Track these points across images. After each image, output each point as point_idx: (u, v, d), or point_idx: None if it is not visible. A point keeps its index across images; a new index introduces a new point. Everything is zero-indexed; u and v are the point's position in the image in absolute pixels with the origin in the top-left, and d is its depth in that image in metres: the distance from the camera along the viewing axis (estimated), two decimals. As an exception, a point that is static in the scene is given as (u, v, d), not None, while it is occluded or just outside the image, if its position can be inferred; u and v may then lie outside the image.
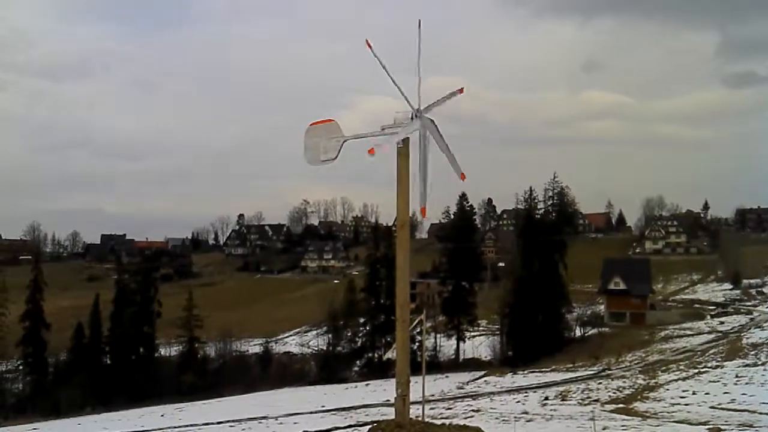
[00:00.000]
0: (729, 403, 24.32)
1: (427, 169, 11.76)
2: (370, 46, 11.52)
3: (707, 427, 19.96)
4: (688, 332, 67.67)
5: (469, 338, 79.96)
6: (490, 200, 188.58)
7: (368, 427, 14.08)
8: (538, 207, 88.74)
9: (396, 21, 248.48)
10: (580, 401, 31.50)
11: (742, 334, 57.75)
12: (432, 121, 11.95)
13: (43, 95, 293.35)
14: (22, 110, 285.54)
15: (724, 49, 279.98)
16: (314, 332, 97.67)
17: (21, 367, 74.87)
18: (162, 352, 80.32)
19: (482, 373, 60.98)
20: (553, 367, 57.26)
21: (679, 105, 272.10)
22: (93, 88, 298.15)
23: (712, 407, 23.87)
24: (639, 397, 30.45)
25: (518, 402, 33.80)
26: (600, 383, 39.94)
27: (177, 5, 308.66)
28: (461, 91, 11.98)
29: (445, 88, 12.08)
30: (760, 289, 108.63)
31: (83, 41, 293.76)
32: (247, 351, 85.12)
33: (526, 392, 39.84)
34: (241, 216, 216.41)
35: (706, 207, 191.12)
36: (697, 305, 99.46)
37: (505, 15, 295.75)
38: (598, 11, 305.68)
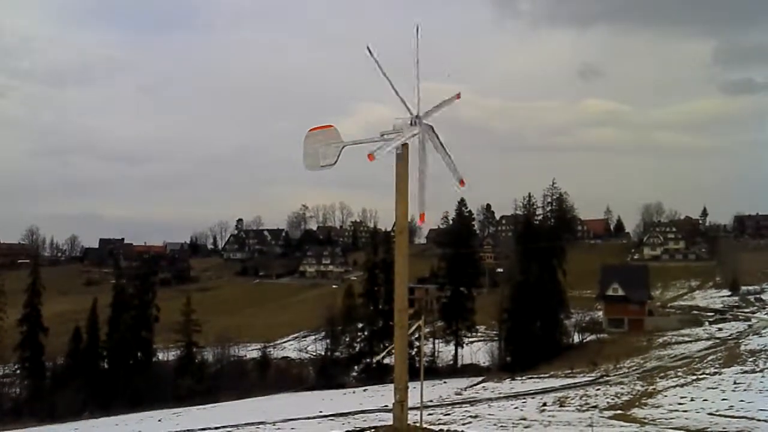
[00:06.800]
0: (727, 409, 24.31)
1: (426, 175, 11.81)
2: (370, 52, 11.59)
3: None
4: (687, 339, 67.61)
5: (467, 344, 80.00)
6: (488, 206, 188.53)
7: (366, 432, 14.08)
8: (537, 213, 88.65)
9: (396, 28, 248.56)
10: (578, 407, 31.47)
11: (741, 341, 57.71)
12: (431, 127, 12.02)
13: (45, 101, 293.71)
14: (24, 116, 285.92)
15: (722, 57, 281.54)
16: (312, 337, 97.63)
17: (18, 372, 74.84)
18: (160, 357, 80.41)
19: (480, 378, 61.12)
20: (552, 373, 57.26)
21: (677, 112, 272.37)
22: (95, 94, 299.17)
23: (710, 414, 23.87)
24: (637, 403, 30.43)
25: (516, 408, 33.75)
26: (598, 389, 39.93)
27: (179, 12, 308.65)
28: (458, 96, 12.01)
29: (444, 94, 12.15)
30: (758, 296, 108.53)
31: (86, 48, 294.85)
32: (245, 356, 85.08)
33: (524, 398, 39.81)
34: (239, 221, 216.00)
35: (704, 213, 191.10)
36: (695, 312, 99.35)
37: (501, 26, 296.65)
38: (593, 21, 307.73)
